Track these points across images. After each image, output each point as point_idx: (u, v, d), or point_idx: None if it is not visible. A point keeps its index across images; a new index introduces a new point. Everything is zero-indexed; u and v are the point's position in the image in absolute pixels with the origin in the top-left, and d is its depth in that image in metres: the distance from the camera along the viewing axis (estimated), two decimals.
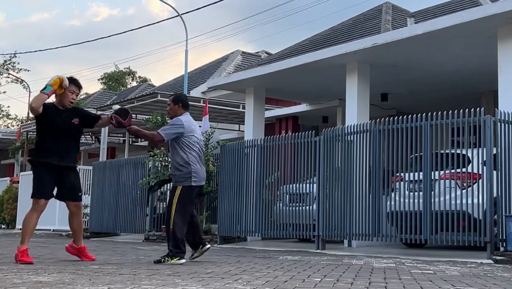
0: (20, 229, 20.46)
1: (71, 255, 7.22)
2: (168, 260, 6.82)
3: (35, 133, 25.31)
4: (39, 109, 6.73)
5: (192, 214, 7.29)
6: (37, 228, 7.11)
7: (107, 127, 18.89)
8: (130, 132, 7.36)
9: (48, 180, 6.82)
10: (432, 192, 8.87)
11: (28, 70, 64.90)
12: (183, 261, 6.88)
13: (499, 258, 7.68)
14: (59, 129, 6.86)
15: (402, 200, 9.28)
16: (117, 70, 50.29)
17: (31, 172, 7.09)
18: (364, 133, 9.88)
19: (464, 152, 8.78)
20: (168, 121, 8.76)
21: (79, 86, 7.05)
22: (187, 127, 7.09)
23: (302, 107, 17.25)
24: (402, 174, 9.42)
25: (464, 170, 8.72)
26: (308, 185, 10.70)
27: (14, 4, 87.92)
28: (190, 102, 16.37)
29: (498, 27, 9.50)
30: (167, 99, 18.95)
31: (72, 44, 58.96)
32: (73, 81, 6.99)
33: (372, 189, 9.61)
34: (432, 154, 8.94)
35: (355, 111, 11.62)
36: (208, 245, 7.52)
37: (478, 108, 8.56)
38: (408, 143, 9.26)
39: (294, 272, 5.86)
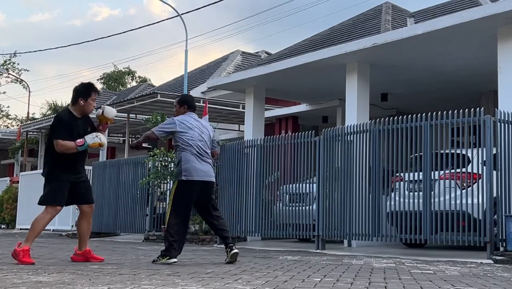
0: (20, 229, 20.38)
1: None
2: (160, 259, 6.80)
3: (35, 133, 25.49)
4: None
5: (210, 214, 7.14)
6: None
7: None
8: (135, 148, 7.45)
9: (65, 189, 6.82)
10: (432, 192, 8.87)
11: (28, 70, 64.92)
12: (172, 260, 6.73)
13: (499, 258, 7.68)
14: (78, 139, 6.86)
15: (402, 200, 9.28)
16: (116, 70, 50.24)
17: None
18: (364, 133, 9.88)
19: (464, 152, 8.78)
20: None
21: (97, 92, 7.11)
22: (179, 125, 7.04)
23: (302, 107, 17.25)
24: (402, 174, 9.41)
25: (464, 170, 8.72)
26: (308, 185, 10.70)
27: (14, 4, 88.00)
28: None
29: (498, 27, 9.50)
30: (167, 99, 18.87)
31: (72, 44, 58.83)
32: (92, 88, 7.02)
33: (372, 189, 9.61)
34: (432, 154, 8.94)
35: (355, 111, 11.62)
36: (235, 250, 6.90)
37: (478, 108, 8.56)
38: (408, 143, 9.25)
39: (294, 272, 5.86)
